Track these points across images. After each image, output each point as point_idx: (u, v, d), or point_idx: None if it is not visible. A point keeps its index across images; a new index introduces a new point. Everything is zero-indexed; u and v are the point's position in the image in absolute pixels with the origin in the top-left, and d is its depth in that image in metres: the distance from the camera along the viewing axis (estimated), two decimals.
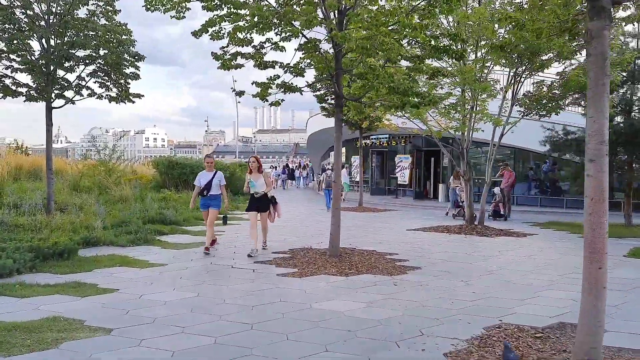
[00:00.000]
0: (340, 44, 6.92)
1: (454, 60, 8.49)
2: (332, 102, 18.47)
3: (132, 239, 8.93)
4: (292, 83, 7.20)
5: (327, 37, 6.82)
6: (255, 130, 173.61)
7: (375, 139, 27.16)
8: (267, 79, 7.39)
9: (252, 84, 7.39)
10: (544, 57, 10.47)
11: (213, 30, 7.01)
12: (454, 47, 7.07)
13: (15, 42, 10.50)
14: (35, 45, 11.22)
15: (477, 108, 11.15)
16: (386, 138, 26.19)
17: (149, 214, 11.64)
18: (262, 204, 8.25)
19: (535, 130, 14.44)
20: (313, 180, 40.69)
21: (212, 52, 7.28)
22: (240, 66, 7.20)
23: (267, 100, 7.64)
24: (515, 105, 11.73)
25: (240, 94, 7.65)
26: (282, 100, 7.76)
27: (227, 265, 7.29)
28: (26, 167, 19.16)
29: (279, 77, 7.32)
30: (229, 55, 7.14)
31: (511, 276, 6.85)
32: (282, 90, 7.22)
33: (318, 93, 18.50)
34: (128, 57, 11.58)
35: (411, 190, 24.53)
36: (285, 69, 7.35)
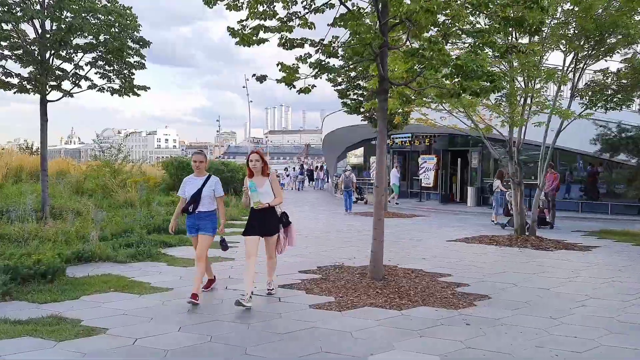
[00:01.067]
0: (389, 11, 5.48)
1: (523, 36, 7.05)
2: (355, 97, 17.04)
3: (132, 253, 7.57)
4: (327, 62, 5.76)
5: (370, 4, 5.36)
6: (267, 131, 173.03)
7: (395, 138, 25.64)
8: (296, 59, 5.97)
9: (277, 65, 5.99)
10: (613, 40, 8.92)
11: None
12: (528, 19, 5.57)
13: (5, 26, 9.24)
14: (30, 31, 9.98)
15: (533, 99, 9.61)
16: (408, 137, 24.65)
17: (154, 221, 10.31)
18: (268, 223, 5.50)
19: (577, 128, 12.78)
20: (328, 181, 39.30)
21: (228, 27, 5.89)
22: (262, 41, 5.80)
23: (293, 87, 6.23)
24: (575, 97, 10.16)
25: (261, 78, 6.25)
26: (313, 86, 6.34)
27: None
28: (28, 168, 18.03)
29: (310, 55, 5.90)
30: (250, 29, 5.73)
31: (608, 310, 5.34)
32: (316, 70, 5.78)
33: (339, 87, 17.11)
34: (132, 44, 10.28)
35: (436, 193, 22.95)
36: (318, 47, 5.92)
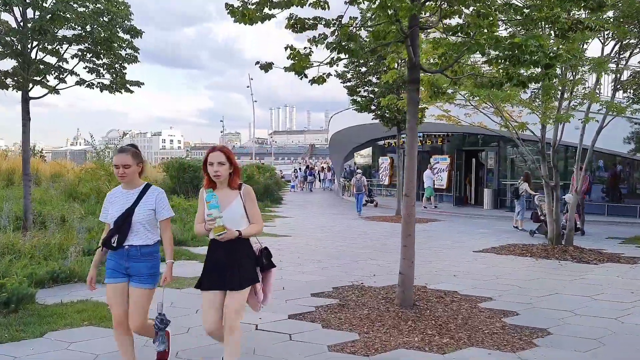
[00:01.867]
0: None
1: (584, 12, 5.98)
2: (365, 94, 15.97)
3: None
4: (347, 44, 4.69)
5: None
6: (271, 131, 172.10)
7: (405, 137, 24.55)
8: (309, 41, 4.91)
9: (286, 49, 4.93)
10: None
11: None
12: None
13: None
14: (13, 22, 8.99)
15: (572, 92, 8.51)
16: (419, 137, 23.55)
17: None
18: (237, 267, 3.32)
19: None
20: (334, 182, 38.26)
21: (226, 4, 4.85)
22: (269, 17, 4.74)
23: (305, 76, 5.18)
24: (618, 90, 9.06)
25: (267, 67, 5.20)
26: (328, 75, 5.29)
27: (250, 322, 4.84)
28: (20, 171, 17.09)
29: (325, 36, 4.84)
30: (254, 4, 4.68)
31: None
32: (334, 51, 4.69)
33: (349, 84, 16.06)
34: (122, 34, 9.27)
35: (449, 195, 21.83)
36: (335, 26, 4.86)
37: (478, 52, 4.54)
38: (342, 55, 4.79)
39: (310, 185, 33.35)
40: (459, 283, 6.58)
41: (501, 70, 4.99)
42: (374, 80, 15.71)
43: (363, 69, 15.69)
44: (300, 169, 35.38)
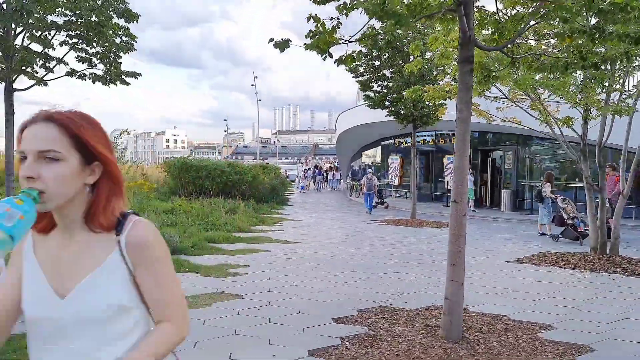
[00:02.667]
0: None
1: None
2: (379, 89, 14.99)
3: None
4: (392, 7, 3.72)
5: None
6: (275, 131, 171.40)
7: (418, 136, 23.52)
8: (338, 8, 3.95)
9: (309, 19, 3.97)
10: None
11: None
12: None
13: None
14: None
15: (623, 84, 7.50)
16: (432, 136, 22.56)
17: None
18: None
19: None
20: (341, 182, 37.30)
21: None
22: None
23: (329, 55, 4.21)
24: None
25: (283, 45, 4.25)
26: (359, 53, 4.34)
27: None
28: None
29: (354, 5, 3.87)
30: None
31: None
32: (374, 18, 3.71)
33: (361, 79, 15.08)
34: (116, 19, 8.34)
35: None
36: None
37: (557, 21, 3.56)
38: (380, 24, 3.80)
39: (319, 185, 32.73)
40: (505, 304, 5.60)
41: (573, 49, 4.00)
42: (388, 74, 14.73)
43: (377, 63, 14.71)
44: (310, 168, 34.43)
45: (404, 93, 14.11)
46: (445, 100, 11.64)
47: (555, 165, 18.38)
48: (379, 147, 27.42)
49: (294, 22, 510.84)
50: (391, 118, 15.65)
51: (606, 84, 6.94)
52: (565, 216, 11.19)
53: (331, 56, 4.25)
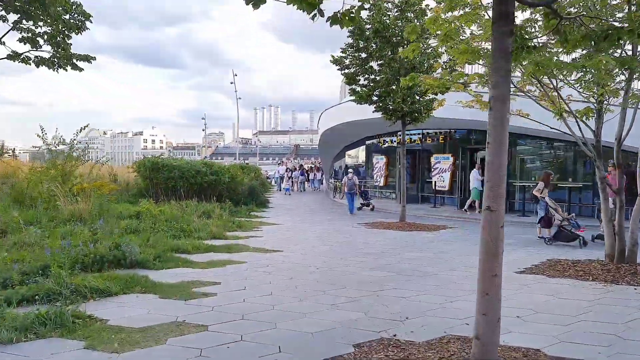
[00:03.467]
0: None
1: None
2: (366, 83, 13.95)
3: (28, 322, 4.34)
4: None
5: None
6: (255, 131, 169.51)
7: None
8: None
9: None
10: None
11: None
12: None
13: None
14: None
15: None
16: (419, 135, 21.66)
17: (97, 247, 7.07)
18: None
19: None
20: (323, 183, 36.25)
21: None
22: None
23: (320, 14, 3.11)
24: None
25: (258, 2, 3.12)
26: (359, 10, 3.25)
27: None
28: None
29: None
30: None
31: None
32: None
33: (347, 71, 14.03)
34: None
35: (453, 197, 19.96)
36: None
37: None
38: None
39: (302, 186, 31.73)
40: (533, 331, 4.57)
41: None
42: (376, 67, 13.71)
43: (363, 55, 13.68)
44: (295, 168, 33.08)
45: (394, 87, 13.21)
46: (440, 93, 10.71)
47: (545, 166, 17.66)
48: (363, 147, 26.43)
49: (274, 22, 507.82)
50: (379, 114, 14.64)
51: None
52: (559, 218, 10.39)
53: (322, 14, 3.14)
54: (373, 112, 14.29)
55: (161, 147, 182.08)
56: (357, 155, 29.93)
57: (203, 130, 58.59)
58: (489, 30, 5.75)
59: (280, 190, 28.95)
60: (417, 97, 13.38)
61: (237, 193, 18.78)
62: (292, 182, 29.11)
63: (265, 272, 7.02)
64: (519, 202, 17.58)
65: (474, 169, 17.59)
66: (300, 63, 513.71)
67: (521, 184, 17.59)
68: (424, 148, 21.58)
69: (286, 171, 29.45)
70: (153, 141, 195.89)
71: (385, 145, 23.83)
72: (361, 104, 14.25)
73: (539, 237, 11.08)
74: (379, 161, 23.98)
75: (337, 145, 28.45)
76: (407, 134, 22.45)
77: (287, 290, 5.95)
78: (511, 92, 7.52)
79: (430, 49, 12.55)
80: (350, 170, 23.59)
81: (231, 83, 47.43)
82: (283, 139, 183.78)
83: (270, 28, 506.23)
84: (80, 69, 8.16)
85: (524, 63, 5.42)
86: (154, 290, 5.73)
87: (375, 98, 13.79)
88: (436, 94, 13.54)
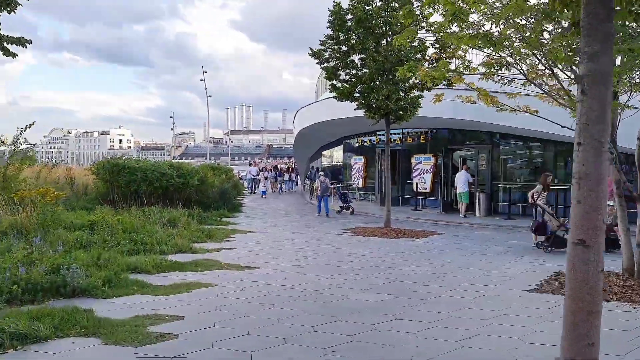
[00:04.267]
0: None
1: None
2: (347, 78, 12.90)
3: None
4: None
5: None
6: (227, 130, 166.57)
7: (381, 134, 21.74)
8: None
9: None
10: None
11: None
12: None
13: None
14: None
15: None
16: (399, 135, 20.82)
17: (30, 272, 5.73)
18: None
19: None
20: (298, 184, 35.08)
21: None
22: None
23: None
24: None
25: None
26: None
27: None
28: None
29: None
30: None
31: None
32: None
33: (327, 65, 12.94)
34: None
35: (434, 199, 19.18)
36: None
37: None
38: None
39: (280, 187, 30.48)
40: None
41: None
42: (358, 61, 12.67)
43: (344, 48, 12.61)
44: (271, 169, 31.40)
45: (377, 82, 12.20)
46: (427, 90, 9.79)
47: (532, 168, 17.10)
48: (340, 147, 25.43)
49: (244, 21, 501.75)
50: (360, 113, 13.63)
51: None
52: (556, 224, 9.65)
53: None
54: (355, 109, 13.26)
55: (129, 147, 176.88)
56: (334, 155, 28.95)
57: (172, 129, 56.40)
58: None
59: (253, 193, 27.26)
60: (402, 94, 12.43)
61: (207, 197, 17.44)
62: (270, 183, 27.44)
63: (240, 298, 5.85)
64: (503, 204, 16.94)
65: (462, 171, 16.89)
66: (272, 63, 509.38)
67: (505, 186, 16.95)
68: (404, 148, 20.74)
69: (261, 171, 27.59)
70: (120, 141, 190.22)
71: (364, 145, 22.93)
72: (342, 100, 13.20)
73: (534, 244, 10.28)
74: (357, 162, 23.04)
75: (314, 145, 27.37)
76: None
77: (269, 326, 4.80)
78: (524, 84, 6.67)
79: (417, 42, 11.62)
80: (321, 172, 22.31)
81: (201, 80, 45.70)
82: (255, 139, 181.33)
83: (240, 27, 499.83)
84: (14, 55, 6.78)
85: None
86: (98, 331, 4.48)
87: (357, 94, 12.76)
88: (422, 90, 12.72)
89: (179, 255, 8.58)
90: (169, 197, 16.23)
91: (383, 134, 22.14)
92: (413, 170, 19.77)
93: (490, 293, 6.32)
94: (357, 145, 23.57)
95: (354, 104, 13.10)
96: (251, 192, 27.27)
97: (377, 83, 12.01)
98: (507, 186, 16.50)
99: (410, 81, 12.44)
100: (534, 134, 14.96)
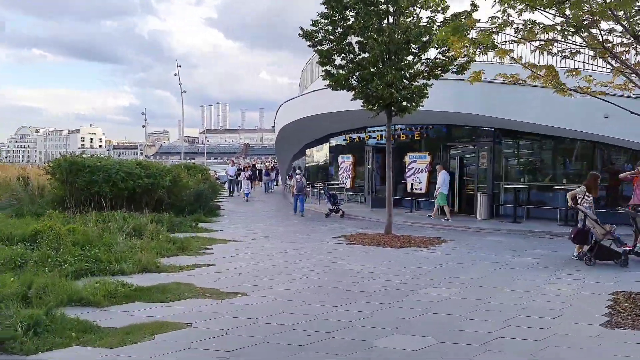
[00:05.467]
0: None
1: None
2: (344, 63, 11.27)
3: None
4: None
5: None
6: (203, 129, 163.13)
7: (372, 131, 20.25)
8: None
9: None
10: None
11: None
12: None
13: None
14: None
15: None
16: (393, 130, 19.28)
17: None
18: None
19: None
20: (277, 184, 33.28)
21: None
22: None
23: None
24: None
25: None
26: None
27: None
28: None
29: None
30: None
31: None
32: None
33: (320, 48, 11.27)
34: None
35: (431, 201, 17.75)
36: None
37: None
38: None
39: (265, 187, 28.86)
40: None
41: None
42: (356, 44, 11.02)
43: (339, 30, 10.95)
44: (252, 168, 28.86)
45: (380, 67, 10.59)
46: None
47: (537, 166, 15.86)
48: (327, 145, 23.76)
49: (219, 19, 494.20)
50: (354, 105, 12.01)
51: None
52: (601, 232, 8.22)
53: None
54: (351, 100, 11.62)
55: (100, 146, 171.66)
56: (318, 154, 27.16)
57: (144, 126, 53.65)
58: None
59: (232, 195, 24.28)
60: (406, 82, 10.86)
61: (181, 199, 15.57)
62: (252, 184, 24.69)
63: (224, 350, 4.13)
64: (507, 206, 15.63)
65: (443, 171, 15.67)
66: (249, 61, 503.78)
67: (507, 186, 15.65)
68: (396, 145, 19.20)
69: (243, 171, 24.94)
70: (91, 140, 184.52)
71: (353, 143, 21.37)
72: (337, 90, 11.54)
73: (574, 255, 8.74)
74: (345, 161, 21.42)
75: (297, 142, 25.61)
76: (377, 131, 20.13)
77: None
78: (594, 57, 5.17)
79: (426, 20, 10.10)
80: (298, 171, 20.91)
81: (175, 75, 43.32)
82: (232, 138, 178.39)
83: (216, 25, 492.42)
84: None
85: None
86: None
87: (354, 82, 11.14)
88: (429, 78, 11.20)
89: (143, 276, 6.79)
90: (136, 201, 14.33)
91: (373, 131, 20.71)
92: (406, 170, 18.27)
93: (558, 331, 4.77)
94: (345, 142, 21.97)
95: (349, 95, 11.47)
96: (230, 194, 24.44)
97: (380, 67, 10.40)
98: (513, 187, 15.16)
99: (416, 67, 10.93)
100: (565, 133, 13.54)
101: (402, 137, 18.83)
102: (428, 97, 11.06)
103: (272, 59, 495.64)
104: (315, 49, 11.10)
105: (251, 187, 23.96)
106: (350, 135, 21.44)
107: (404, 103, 10.96)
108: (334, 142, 23.08)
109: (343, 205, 17.84)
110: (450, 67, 10.74)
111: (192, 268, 7.46)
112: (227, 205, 19.27)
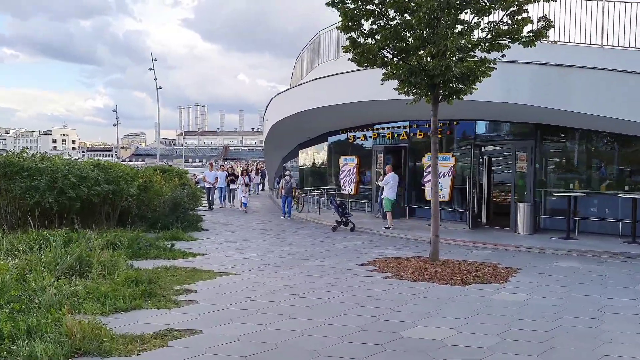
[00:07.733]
0: None
1: None
2: (375, 27, 8.32)
3: None
4: None
5: None
6: (180, 131, 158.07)
7: (381, 129, 17.39)
8: None
9: None
10: None
11: None
12: None
13: None
14: None
15: None
16: (404, 128, 16.48)
17: None
18: None
19: None
20: (264, 187, 30.17)
21: None
22: None
23: None
24: None
25: None
26: None
27: None
28: None
29: None
30: None
31: None
32: None
33: (345, 6, 8.28)
34: None
35: (454, 211, 14.97)
36: None
37: None
38: None
39: (257, 187, 27.54)
40: None
41: None
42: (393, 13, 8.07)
43: None
44: (239, 172, 23.81)
45: (428, 33, 7.59)
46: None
47: (599, 169, 13.24)
48: (325, 144, 20.71)
49: (196, 20, 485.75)
50: (364, 96, 9.08)
51: None
52: None
53: None
54: (382, 80, 8.64)
55: (73, 148, 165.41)
56: (311, 155, 23.99)
57: (115, 125, 49.59)
58: None
59: (211, 208, 18.64)
60: (455, 57, 7.94)
61: (154, 210, 12.38)
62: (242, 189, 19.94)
63: None
64: (556, 219, 12.95)
65: (392, 173, 13.35)
66: (227, 64, 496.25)
67: (561, 195, 13.01)
68: (412, 146, 16.39)
69: (242, 176, 19.68)
70: (64, 141, 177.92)
71: (356, 142, 18.46)
72: (363, 66, 8.57)
73: None
74: (348, 163, 18.43)
75: (291, 141, 22.51)
76: (388, 128, 17.25)
77: None
78: None
79: None
80: (287, 171, 18.61)
81: (150, 69, 39.69)
82: (211, 140, 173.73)
83: (193, 27, 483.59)
84: None
85: None
86: None
87: (389, 56, 8.20)
88: (489, 51, 8.36)
89: None
90: (96, 212, 11.11)
91: (382, 128, 17.78)
92: (425, 174, 15.40)
93: None
94: (347, 141, 19.04)
95: (354, 85, 8.53)
96: (210, 207, 18.71)
97: (428, 32, 7.48)
98: (567, 195, 12.42)
99: (474, 35, 8.05)
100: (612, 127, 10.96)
101: (420, 134, 15.98)
102: (490, 75, 8.21)
103: (251, 62, 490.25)
104: (338, 7, 8.07)
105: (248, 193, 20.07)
106: (353, 133, 18.53)
107: (457, 84, 8.06)
108: (333, 140, 20.11)
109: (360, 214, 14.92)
110: (521, 35, 7.91)
111: (164, 342, 4.36)
112: (209, 216, 16.04)
